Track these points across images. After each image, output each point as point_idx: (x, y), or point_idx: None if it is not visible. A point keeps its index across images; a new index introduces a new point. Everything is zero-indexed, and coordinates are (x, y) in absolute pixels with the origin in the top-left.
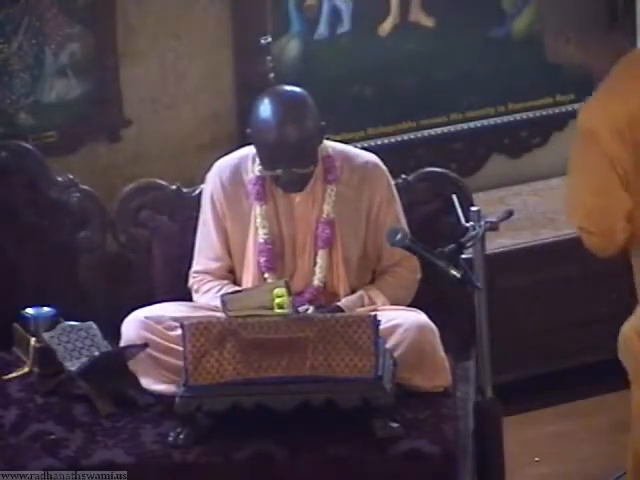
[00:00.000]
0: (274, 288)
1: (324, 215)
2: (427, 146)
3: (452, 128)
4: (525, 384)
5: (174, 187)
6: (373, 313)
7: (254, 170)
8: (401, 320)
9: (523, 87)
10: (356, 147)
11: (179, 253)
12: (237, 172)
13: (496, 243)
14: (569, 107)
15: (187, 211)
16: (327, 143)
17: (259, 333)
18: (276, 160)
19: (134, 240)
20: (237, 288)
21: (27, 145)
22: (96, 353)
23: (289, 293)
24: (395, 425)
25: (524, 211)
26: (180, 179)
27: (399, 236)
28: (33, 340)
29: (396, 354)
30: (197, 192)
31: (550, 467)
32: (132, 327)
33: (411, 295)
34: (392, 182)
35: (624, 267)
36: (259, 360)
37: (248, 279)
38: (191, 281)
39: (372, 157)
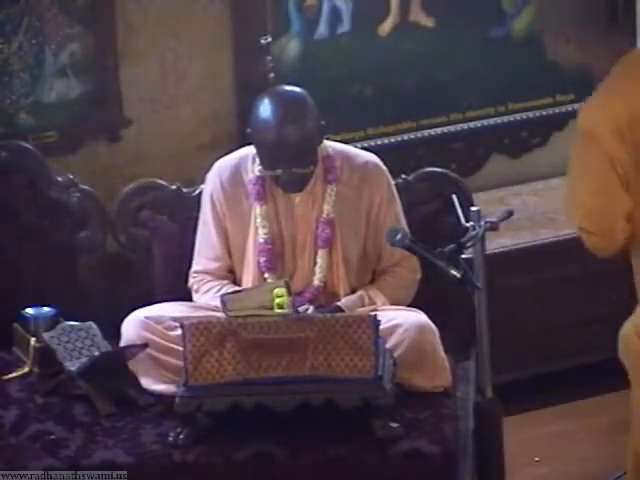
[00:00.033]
0: (274, 288)
1: (324, 215)
2: (427, 146)
3: (452, 128)
4: (525, 384)
5: (174, 187)
6: (373, 313)
7: (254, 170)
8: (401, 320)
9: (523, 87)
10: (356, 147)
11: (179, 253)
12: (237, 172)
13: (496, 243)
14: (569, 107)
15: (187, 211)
16: (327, 143)
17: (259, 333)
18: (276, 160)
19: (134, 240)
20: (237, 288)
21: (27, 145)
22: (96, 353)
23: (289, 293)
24: (395, 425)
25: (524, 211)
26: (180, 179)
27: (399, 236)
28: (33, 340)
29: (396, 354)
30: (197, 192)
31: (550, 467)
32: (132, 327)
33: (411, 295)
34: (392, 182)
35: (624, 267)
36: (259, 360)
37: (248, 279)
38: (191, 281)
39: (372, 157)
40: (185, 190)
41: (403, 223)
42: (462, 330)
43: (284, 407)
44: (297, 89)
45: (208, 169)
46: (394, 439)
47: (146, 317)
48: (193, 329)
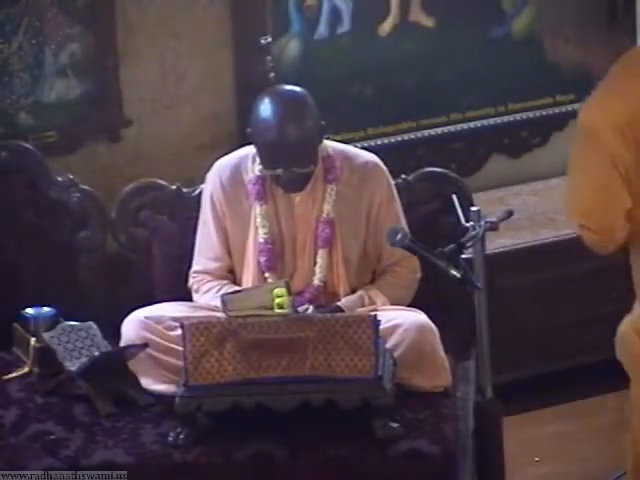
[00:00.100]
0: (274, 288)
1: (324, 215)
2: (427, 146)
3: (452, 128)
4: (525, 384)
5: (174, 187)
6: (373, 313)
7: (254, 170)
8: (401, 320)
9: (523, 87)
10: (356, 147)
11: (179, 253)
12: (237, 172)
13: (496, 243)
14: (569, 107)
15: (187, 211)
16: (327, 143)
17: (259, 333)
18: (276, 160)
19: (134, 240)
20: (237, 288)
21: (27, 145)
22: (96, 353)
23: (289, 293)
24: (395, 425)
25: (524, 211)
26: (180, 179)
27: (399, 236)
28: (33, 340)
29: (396, 354)
30: (197, 192)
31: (550, 467)
32: (132, 327)
33: (411, 295)
34: (392, 182)
35: (624, 267)
36: (259, 360)
37: (248, 279)
38: (191, 281)
39: (372, 157)
40: (185, 190)
41: (403, 223)
42: (462, 330)
43: (284, 407)
44: (297, 88)
45: (208, 169)
46: (394, 439)
47: (146, 317)
48: (193, 329)
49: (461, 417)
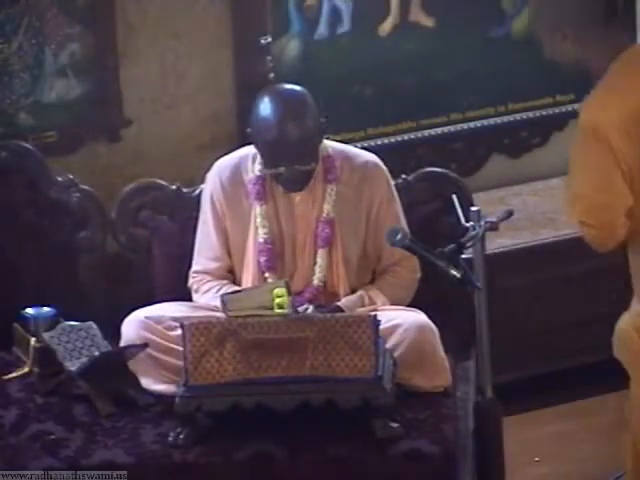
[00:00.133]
0: (274, 288)
1: (324, 214)
2: (427, 146)
3: (452, 128)
4: (525, 384)
5: (174, 187)
6: (373, 313)
7: (254, 170)
8: (401, 320)
9: (523, 87)
10: (356, 147)
11: (179, 253)
12: (237, 172)
13: (496, 243)
14: (569, 107)
15: (187, 211)
16: (327, 143)
17: (259, 333)
18: (278, 158)
19: (134, 240)
20: (237, 288)
21: (27, 145)
22: (96, 353)
23: (289, 293)
24: (395, 425)
25: (524, 211)
26: (180, 179)
27: (399, 236)
28: (33, 340)
29: (396, 354)
30: (197, 192)
31: (550, 467)
32: (132, 327)
33: (411, 295)
34: (392, 182)
35: (624, 267)
36: (259, 360)
37: (248, 279)
38: (191, 281)
39: (372, 157)
40: (185, 190)
41: (403, 223)
42: (462, 330)
43: (284, 407)
44: (296, 87)
45: (208, 169)
46: (394, 439)
47: (146, 317)
48: (193, 329)
49: (461, 417)
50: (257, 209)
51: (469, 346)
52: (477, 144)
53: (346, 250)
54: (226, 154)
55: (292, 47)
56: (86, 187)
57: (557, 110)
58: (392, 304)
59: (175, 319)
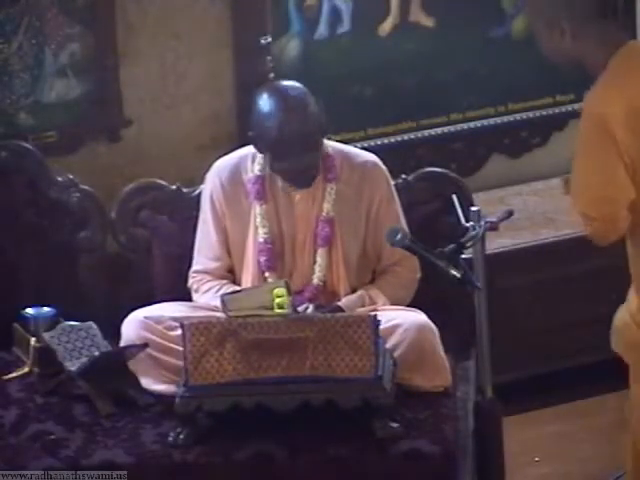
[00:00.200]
0: (274, 288)
1: (324, 213)
2: (427, 146)
3: (452, 128)
4: (525, 384)
5: (174, 187)
6: (373, 313)
7: (253, 169)
8: (401, 320)
9: (523, 87)
10: (356, 147)
11: (179, 253)
12: (236, 172)
13: (496, 243)
14: (569, 107)
15: (187, 211)
16: (327, 142)
17: (259, 333)
18: (284, 152)
19: (134, 240)
20: (236, 288)
21: (27, 145)
22: (96, 353)
23: (289, 293)
24: (395, 425)
25: (524, 211)
26: (180, 179)
27: (399, 236)
28: (33, 340)
29: (396, 354)
30: (197, 192)
31: (550, 467)
32: (132, 327)
33: (411, 295)
34: (391, 182)
35: (624, 267)
36: (259, 360)
37: (248, 279)
38: (190, 281)
39: (371, 157)
40: (185, 190)
41: (403, 223)
42: (462, 330)
43: (284, 407)
44: (293, 82)
45: (208, 169)
46: (394, 439)
47: (146, 317)
48: (193, 329)
49: (461, 417)
50: (257, 209)
51: (469, 346)
52: (477, 144)
53: (346, 249)
54: (226, 154)
55: (292, 47)
56: (86, 187)
57: (557, 110)
58: (392, 304)
59: (175, 319)
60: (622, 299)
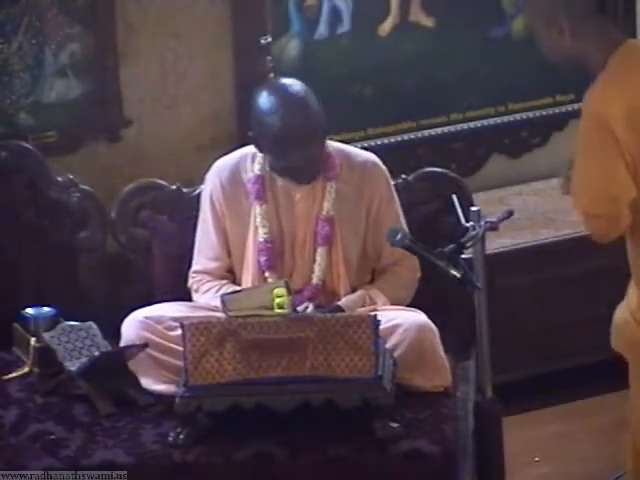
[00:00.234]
0: (274, 288)
1: (324, 212)
2: (427, 146)
3: (452, 128)
4: (525, 384)
5: (174, 187)
6: (373, 313)
7: (253, 169)
8: (401, 320)
9: (523, 87)
10: (356, 147)
11: (179, 253)
12: (236, 172)
13: (496, 243)
14: (569, 107)
15: (187, 211)
16: (327, 142)
17: (259, 333)
18: (286, 146)
19: (134, 240)
20: (236, 288)
21: (27, 145)
22: (96, 353)
23: (289, 293)
24: (395, 425)
25: (524, 211)
26: (180, 179)
27: (399, 236)
28: (33, 340)
29: (396, 354)
30: (197, 192)
31: (550, 467)
32: (132, 327)
33: (410, 295)
34: (391, 182)
35: (624, 267)
36: (259, 360)
37: (248, 279)
38: (190, 281)
39: (371, 156)
40: (185, 190)
41: (403, 223)
42: (462, 330)
43: (284, 407)
44: (291, 79)
45: (208, 169)
46: (394, 439)
47: (146, 317)
48: (193, 329)
49: (461, 417)
50: (257, 209)
51: (469, 346)
52: (477, 144)
53: (346, 249)
54: (226, 154)
55: (292, 47)
56: (86, 187)
57: (557, 110)
58: (392, 304)
59: (175, 319)
60: (622, 299)
